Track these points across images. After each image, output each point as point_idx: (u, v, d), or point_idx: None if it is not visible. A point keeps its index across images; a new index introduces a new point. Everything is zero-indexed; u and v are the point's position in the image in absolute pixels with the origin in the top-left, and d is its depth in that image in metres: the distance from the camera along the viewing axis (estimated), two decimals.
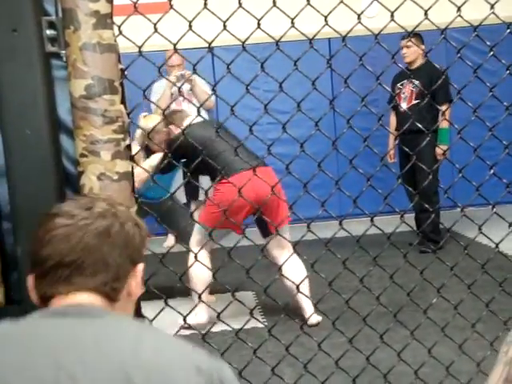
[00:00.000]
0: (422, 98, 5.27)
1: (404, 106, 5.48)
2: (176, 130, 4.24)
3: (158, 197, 4.42)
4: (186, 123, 4.14)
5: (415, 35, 5.18)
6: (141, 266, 1.15)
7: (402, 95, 5.58)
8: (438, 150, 5.23)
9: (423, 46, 5.33)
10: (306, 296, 3.28)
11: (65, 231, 1.08)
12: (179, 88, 2.12)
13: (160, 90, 5.35)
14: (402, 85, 5.59)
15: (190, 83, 5.32)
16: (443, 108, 5.05)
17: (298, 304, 3.65)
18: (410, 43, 5.21)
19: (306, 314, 3.59)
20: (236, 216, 3.52)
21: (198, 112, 1.97)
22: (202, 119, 4.07)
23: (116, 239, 1.11)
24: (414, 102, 5.47)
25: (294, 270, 3.57)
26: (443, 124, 5.17)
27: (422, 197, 4.75)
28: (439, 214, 5.43)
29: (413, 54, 5.44)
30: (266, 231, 3.75)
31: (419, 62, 5.48)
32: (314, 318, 3.53)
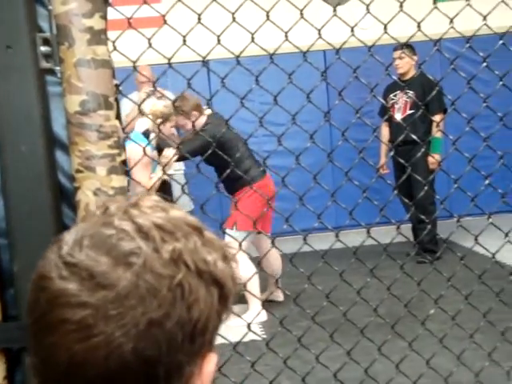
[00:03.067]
0: (416, 108, 5.29)
1: (398, 116, 5.50)
2: (198, 118, 4.41)
3: None
4: (206, 113, 4.41)
5: (407, 46, 5.21)
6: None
7: (396, 106, 5.60)
8: (430, 159, 5.26)
9: (416, 57, 5.37)
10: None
11: None
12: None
13: (129, 105, 5.30)
14: (395, 95, 5.61)
15: (161, 99, 5.35)
16: (437, 118, 5.09)
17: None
18: (402, 54, 5.24)
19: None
20: (269, 217, 4.24)
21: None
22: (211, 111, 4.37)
23: None
24: (409, 112, 5.49)
25: (275, 257, 4.50)
26: (436, 134, 5.20)
27: (418, 207, 4.79)
28: (436, 224, 5.44)
29: (405, 64, 5.48)
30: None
31: (412, 72, 5.51)
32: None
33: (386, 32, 1.81)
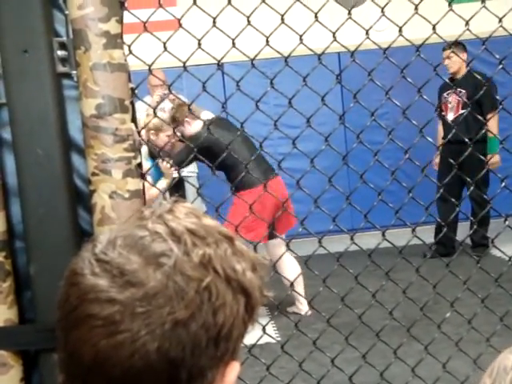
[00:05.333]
0: (469, 107, 5.26)
1: (451, 116, 5.46)
2: (192, 124, 4.37)
3: None
4: (203, 116, 4.34)
5: (458, 44, 5.11)
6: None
7: (449, 105, 5.55)
8: (491, 159, 5.16)
9: (465, 55, 5.24)
10: (298, 293, 3.62)
11: None
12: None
13: (143, 108, 5.29)
14: (448, 94, 5.54)
15: (173, 102, 5.37)
16: (490, 117, 5.07)
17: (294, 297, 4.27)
18: (451, 53, 5.14)
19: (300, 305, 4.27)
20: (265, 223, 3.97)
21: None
22: (217, 116, 4.26)
23: None
24: (461, 111, 5.43)
25: (290, 266, 4.19)
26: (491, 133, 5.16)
27: (476, 205, 4.79)
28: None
29: (455, 64, 5.37)
30: (271, 234, 4.09)
31: (463, 71, 5.41)
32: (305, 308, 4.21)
33: (400, 34, 1.81)
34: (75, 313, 0.68)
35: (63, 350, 0.71)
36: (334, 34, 1.76)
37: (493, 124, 5.23)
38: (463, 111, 5.41)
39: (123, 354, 0.66)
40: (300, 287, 4.19)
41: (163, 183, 4.36)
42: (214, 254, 0.70)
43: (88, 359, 0.67)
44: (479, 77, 4.37)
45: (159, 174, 4.47)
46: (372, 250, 2.13)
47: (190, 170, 5.73)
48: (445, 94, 5.61)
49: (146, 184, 1.70)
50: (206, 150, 3.59)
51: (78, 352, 0.68)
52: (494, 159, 5.16)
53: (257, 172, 3.96)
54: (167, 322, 0.66)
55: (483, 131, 5.23)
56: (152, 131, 4.53)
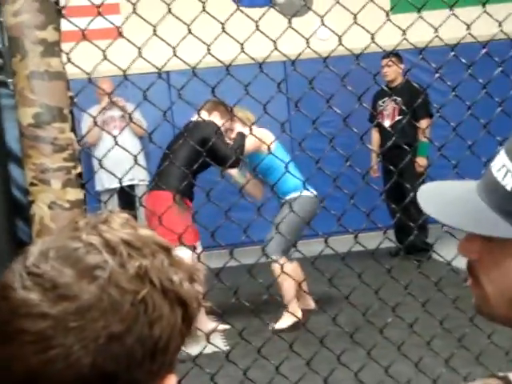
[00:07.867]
0: (405, 114, 5.41)
1: (387, 123, 5.64)
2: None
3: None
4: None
5: (395, 55, 5.30)
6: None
7: (385, 112, 5.74)
8: (417, 163, 5.37)
9: (402, 65, 5.49)
10: None
11: None
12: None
13: (90, 118, 5.17)
14: (383, 102, 5.75)
15: (122, 110, 5.32)
16: (423, 123, 5.26)
17: None
18: (390, 62, 5.36)
19: None
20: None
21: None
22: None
23: None
24: (397, 118, 5.65)
25: None
26: (422, 138, 5.31)
27: (406, 212, 4.89)
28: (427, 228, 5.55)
29: (393, 72, 5.63)
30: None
31: (399, 80, 5.67)
32: None
33: (340, 43, 1.83)
34: (6, 328, 0.66)
35: None
36: (274, 42, 1.77)
37: (425, 130, 5.46)
38: (399, 118, 5.62)
39: (56, 370, 0.64)
40: None
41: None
42: (150, 265, 0.68)
43: (19, 375, 0.65)
44: (415, 85, 4.51)
45: None
46: (315, 257, 2.15)
47: (141, 178, 5.65)
48: (380, 102, 5.81)
49: None
50: None
51: (9, 368, 0.66)
52: (422, 162, 5.36)
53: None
54: (101, 337, 0.64)
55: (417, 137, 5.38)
56: None
